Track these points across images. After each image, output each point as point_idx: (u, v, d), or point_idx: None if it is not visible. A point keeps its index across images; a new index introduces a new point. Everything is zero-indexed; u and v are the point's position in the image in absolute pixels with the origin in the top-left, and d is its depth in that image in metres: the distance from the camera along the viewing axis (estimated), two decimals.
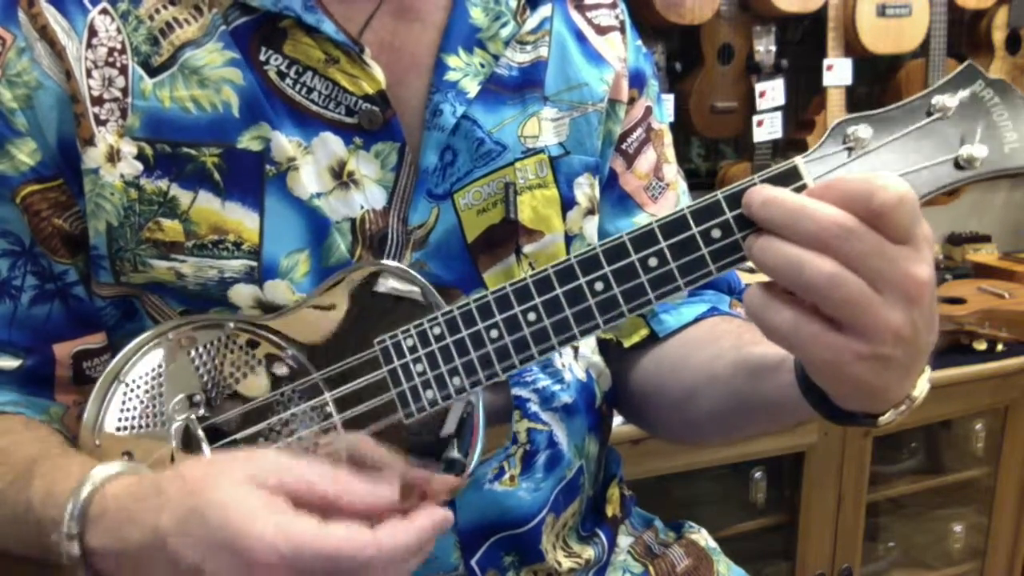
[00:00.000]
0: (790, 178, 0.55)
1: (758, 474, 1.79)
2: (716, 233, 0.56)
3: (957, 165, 0.56)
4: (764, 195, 0.54)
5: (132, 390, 0.71)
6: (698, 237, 0.56)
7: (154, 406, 0.70)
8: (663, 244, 0.57)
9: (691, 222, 0.56)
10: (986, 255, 2.33)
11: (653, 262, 0.57)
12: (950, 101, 0.56)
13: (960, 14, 2.21)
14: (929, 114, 0.56)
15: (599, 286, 0.58)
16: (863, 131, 0.56)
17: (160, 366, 0.71)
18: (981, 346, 1.83)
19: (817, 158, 0.56)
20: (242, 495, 0.53)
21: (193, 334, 0.71)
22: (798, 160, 0.56)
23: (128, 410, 0.71)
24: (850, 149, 0.56)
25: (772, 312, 0.54)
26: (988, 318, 1.84)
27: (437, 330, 0.61)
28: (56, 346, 0.75)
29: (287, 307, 0.71)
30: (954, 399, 1.79)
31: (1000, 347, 1.82)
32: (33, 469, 0.64)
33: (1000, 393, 1.84)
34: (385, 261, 0.71)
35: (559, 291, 0.59)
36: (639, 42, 0.92)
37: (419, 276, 0.67)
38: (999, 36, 2.22)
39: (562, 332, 0.60)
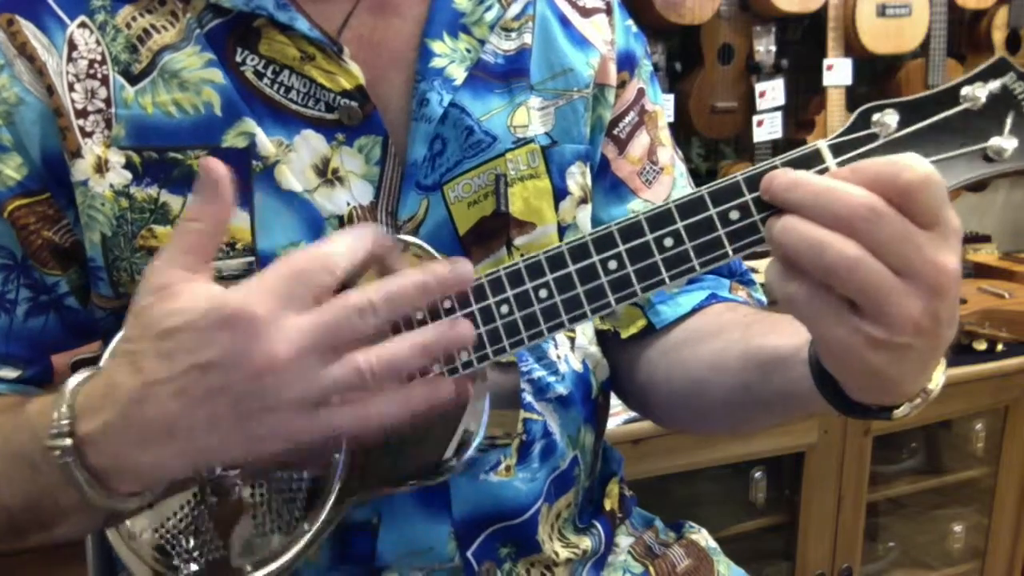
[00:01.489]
0: (813, 161, 0.54)
1: (758, 474, 1.79)
2: (734, 215, 0.55)
3: (986, 157, 0.54)
4: (789, 178, 0.52)
5: None
6: (716, 218, 0.55)
7: None
8: (679, 224, 0.56)
9: (709, 203, 0.55)
10: (986, 255, 2.33)
11: (669, 242, 0.56)
12: (980, 92, 0.54)
13: (960, 14, 2.22)
14: (958, 104, 0.55)
15: (612, 265, 0.57)
16: (889, 117, 0.54)
17: None
18: (981, 346, 1.83)
19: (841, 142, 0.55)
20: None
21: None
22: (821, 143, 0.54)
23: None
24: (875, 135, 0.55)
25: (789, 281, 0.53)
26: (988, 318, 1.84)
27: (447, 304, 0.60)
28: (53, 356, 0.75)
29: None
30: (954, 399, 1.79)
31: (1000, 347, 1.82)
32: (19, 404, 0.64)
33: (1000, 393, 1.84)
34: (403, 236, 0.70)
35: (572, 268, 0.58)
36: (629, 22, 0.90)
37: (434, 251, 0.66)
38: (999, 36, 2.22)
39: (573, 310, 0.58)
